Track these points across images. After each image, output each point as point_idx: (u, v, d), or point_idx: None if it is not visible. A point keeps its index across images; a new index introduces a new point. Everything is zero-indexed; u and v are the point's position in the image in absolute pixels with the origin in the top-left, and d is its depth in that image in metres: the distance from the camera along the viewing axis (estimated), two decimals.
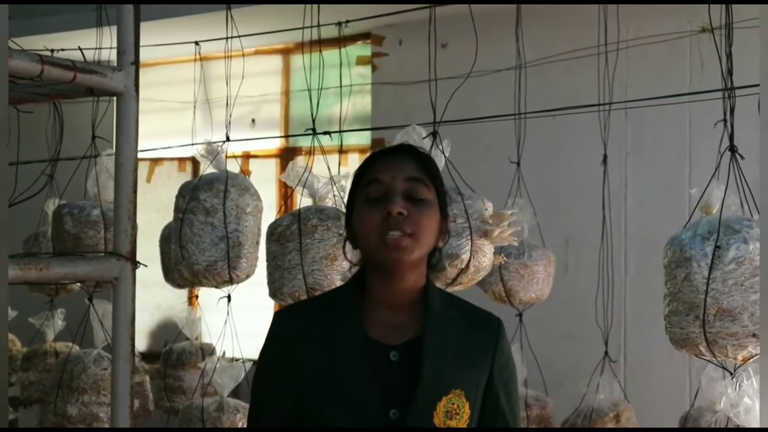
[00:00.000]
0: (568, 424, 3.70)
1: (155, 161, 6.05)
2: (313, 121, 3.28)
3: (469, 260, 2.73)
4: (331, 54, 4.98)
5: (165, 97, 5.92)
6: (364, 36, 5.38)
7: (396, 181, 1.85)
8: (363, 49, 5.46)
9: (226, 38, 3.43)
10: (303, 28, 3.31)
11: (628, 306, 4.66)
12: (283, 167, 5.56)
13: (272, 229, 3.08)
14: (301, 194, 3.07)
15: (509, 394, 1.95)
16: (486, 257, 2.81)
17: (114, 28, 2.99)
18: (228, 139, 3.43)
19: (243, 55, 3.49)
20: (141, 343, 6.16)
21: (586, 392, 3.65)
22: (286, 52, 5.82)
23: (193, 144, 3.51)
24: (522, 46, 3.88)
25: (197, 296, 4.59)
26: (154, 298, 5.94)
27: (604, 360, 3.72)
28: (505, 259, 3.23)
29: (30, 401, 4.61)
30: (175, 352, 4.36)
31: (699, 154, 4.51)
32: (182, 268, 3.20)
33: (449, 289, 2.80)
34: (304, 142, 4.89)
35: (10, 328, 4.93)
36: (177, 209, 3.23)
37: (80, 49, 2.11)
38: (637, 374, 4.70)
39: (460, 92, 4.88)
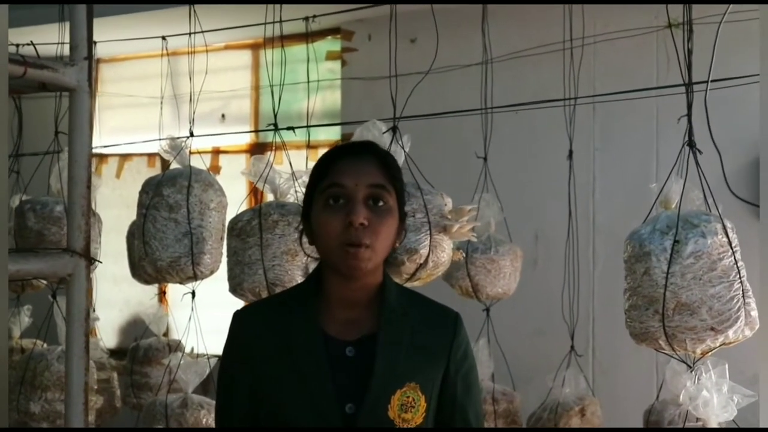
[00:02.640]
0: (534, 418, 3.71)
1: (124, 156, 6.00)
2: (275, 116, 3.26)
3: (428, 255, 2.72)
4: (301, 49, 4.98)
5: (135, 92, 5.87)
6: (333, 31, 5.36)
7: (359, 187, 1.83)
8: (333, 44, 5.44)
9: (189, 34, 3.40)
10: (266, 23, 3.31)
11: (596, 300, 4.68)
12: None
13: (233, 224, 3.07)
14: (262, 189, 3.05)
15: (468, 387, 1.96)
16: (445, 252, 2.80)
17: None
18: (192, 135, 3.41)
19: (207, 51, 3.48)
20: (110, 340, 6.11)
21: (552, 386, 3.66)
22: (255, 47, 5.79)
23: (159, 139, 3.47)
24: (488, 42, 3.88)
25: (164, 292, 4.57)
26: (123, 294, 5.90)
27: (570, 354, 3.73)
28: (464, 255, 3.23)
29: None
30: (141, 349, 4.34)
31: (666, 149, 4.53)
32: (146, 265, 3.17)
33: (408, 285, 2.80)
34: (276, 137, 4.89)
35: None
36: (140, 205, 3.21)
37: (32, 44, 2.09)
38: (605, 368, 4.72)
39: (430, 88, 4.89)
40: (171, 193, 3.14)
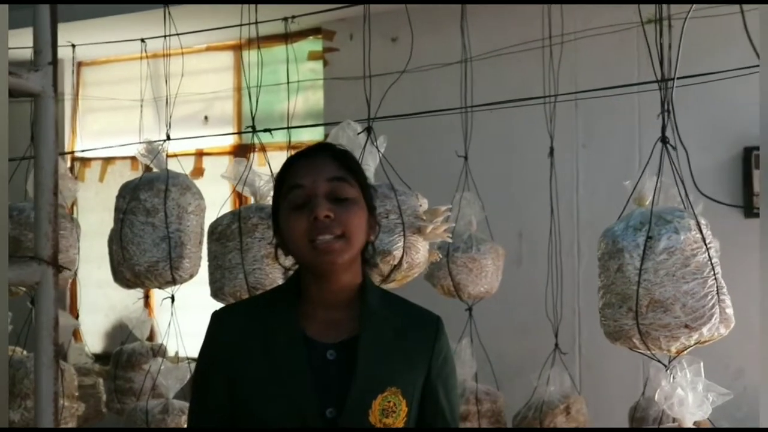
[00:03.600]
0: (519, 417, 3.70)
1: (107, 160, 5.98)
2: (253, 118, 3.25)
3: (402, 257, 2.71)
4: (282, 50, 4.96)
5: (117, 95, 5.85)
6: (314, 31, 5.34)
7: (318, 183, 1.83)
8: (314, 44, 5.43)
9: (165, 36, 3.38)
10: (241, 25, 3.27)
11: (581, 298, 4.67)
12: None
13: (213, 228, 3.05)
14: (241, 192, 3.04)
15: (448, 391, 1.96)
16: (420, 253, 2.79)
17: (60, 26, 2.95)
18: (168, 138, 3.39)
19: (182, 53, 3.46)
20: (96, 345, 6.09)
21: (537, 385, 3.66)
22: (237, 49, 5.77)
23: (140, 143, 3.46)
24: (468, 41, 3.87)
25: (149, 296, 4.55)
26: (108, 299, 5.88)
27: (554, 352, 3.73)
28: (440, 255, 3.22)
29: None
30: (125, 354, 4.32)
31: (647, 144, 4.51)
32: (124, 270, 3.16)
33: (384, 286, 2.78)
34: (261, 139, 4.87)
35: None
36: (117, 210, 3.19)
37: None
38: (591, 366, 4.72)
39: (411, 87, 4.88)
40: (148, 197, 3.13)
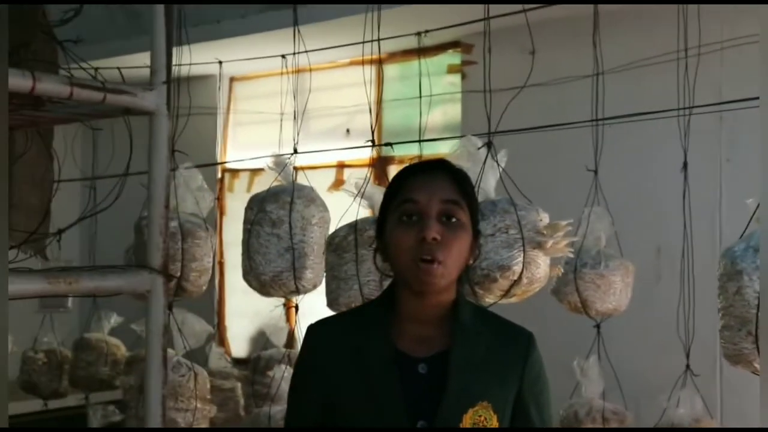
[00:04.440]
0: None
1: (254, 171, 6.18)
2: (372, 132, 3.31)
3: (522, 272, 2.69)
4: (422, 63, 4.99)
5: (265, 109, 6.05)
6: (453, 44, 5.36)
7: (432, 202, 1.86)
8: (453, 57, 5.44)
9: (293, 53, 3.49)
10: (367, 41, 3.35)
11: None
12: (376, 176, 5.60)
13: (330, 240, 3.13)
14: (359, 204, 3.10)
15: (540, 408, 1.96)
16: (540, 269, 2.76)
17: (185, 48, 3.10)
18: (296, 152, 3.50)
19: (310, 70, 3.57)
20: (241, 350, 6.31)
21: (666, 407, 3.54)
22: (379, 62, 5.85)
23: (268, 156, 3.58)
24: (600, 53, 3.79)
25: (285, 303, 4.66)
26: (254, 305, 6.07)
27: (685, 374, 3.59)
28: (562, 270, 3.17)
29: (129, 404, 4.80)
30: (263, 359, 4.45)
31: None
32: (251, 279, 3.27)
33: (504, 301, 2.78)
34: (397, 152, 4.92)
35: (115, 333, 5.15)
36: (246, 221, 3.32)
37: (118, 68, 2.20)
38: (735, 389, 4.51)
39: (548, 100, 4.82)
40: (274, 209, 3.24)
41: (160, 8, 2.03)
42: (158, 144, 2.06)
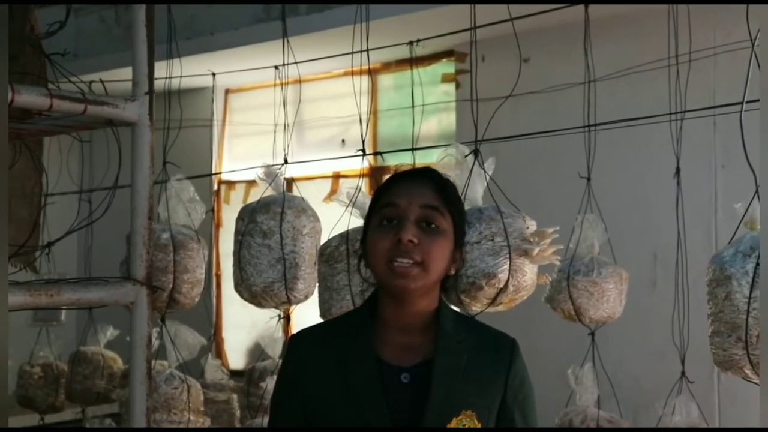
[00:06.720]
0: None
1: (250, 183, 6.19)
2: (363, 142, 3.30)
3: (508, 280, 2.67)
4: (416, 73, 4.99)
5: (260, 120, 6.05)
6: (447, 53, 5.36)
7: (411, 206, 1.86)
8: (447, 66, 5.44)
9: (282, 65, 3.50)
10: (357, 52, 3.33)
11: None
12: (372, 186, 5.60)
13: (322, 250, 3.11)
14: (351, 214, 3.09)
15: (525, 415, 1.95)
16: (526, 276, 2.74)
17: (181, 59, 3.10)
18: (286, 162, 3.50)
19: (300, 81, 3.54)
20: (238, 361, 6.30)
21: (662, 414, 3.52)
22: (374, 73, 5.86)
23: (258, 167, 3.58)
24: (592, 60, 3.78)
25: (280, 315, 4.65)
26: (250, 316, 6.07)
27: (681, 380, 3.57)
28: (550, 278, 3.15)
29: (126, 417, 4.79)
30: (257, 371, 4.45)
31: None
32: (242, 290, 3.26)
33: (491, 309, 2.76)
34: (392, 161, 4.92)
35: (111, 346, 5.14)
36: (236, 232, 3.31)
37: (101, 81, 2.19)
38: (734, 397, 4.49)
39: (542, 107, 4.82)
40: (264, 219, 3.22)
41: (141, 20, 2.03)
42: (141, 155, 2.06)
